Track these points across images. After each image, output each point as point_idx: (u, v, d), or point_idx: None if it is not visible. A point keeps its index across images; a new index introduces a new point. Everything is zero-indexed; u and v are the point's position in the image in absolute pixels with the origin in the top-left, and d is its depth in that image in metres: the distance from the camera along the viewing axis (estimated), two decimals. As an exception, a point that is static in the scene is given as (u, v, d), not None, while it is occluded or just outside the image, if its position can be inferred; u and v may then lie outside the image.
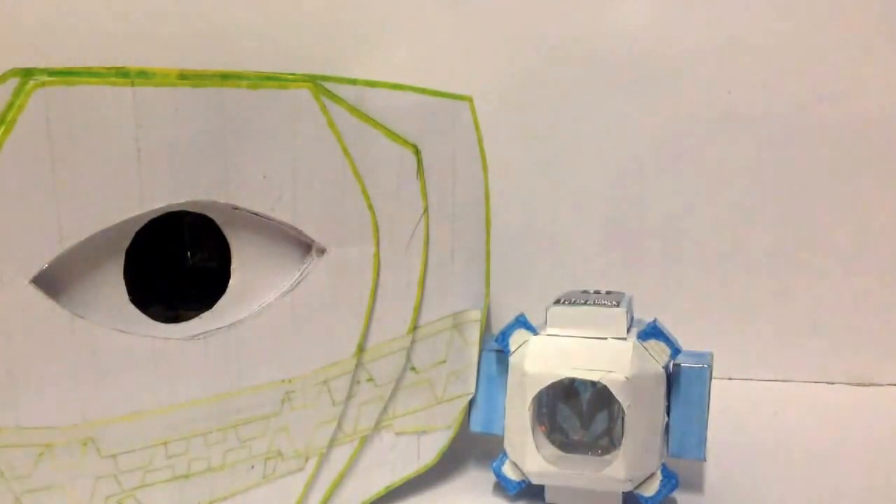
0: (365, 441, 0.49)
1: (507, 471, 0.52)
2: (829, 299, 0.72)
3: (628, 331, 0.50)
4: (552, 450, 0.52)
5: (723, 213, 0.72)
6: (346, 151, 0.44)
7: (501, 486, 0.53)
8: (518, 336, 0.52)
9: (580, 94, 0.69)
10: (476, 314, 0.54)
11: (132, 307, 0.40)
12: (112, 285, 0.39)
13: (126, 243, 0.40)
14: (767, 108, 0.69)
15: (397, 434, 0.51)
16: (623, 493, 0.50)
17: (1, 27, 0.44)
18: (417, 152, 0.48)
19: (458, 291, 0.52)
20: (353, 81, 0.44)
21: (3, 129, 0.34)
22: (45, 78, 0.35)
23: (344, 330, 0.46)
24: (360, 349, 0.47)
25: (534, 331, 0.51)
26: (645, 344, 0.49)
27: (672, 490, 0.49)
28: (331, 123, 0.43)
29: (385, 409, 0.50)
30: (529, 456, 0.50)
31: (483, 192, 0.52)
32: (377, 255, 0.47)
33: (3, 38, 0.45)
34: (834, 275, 0.72)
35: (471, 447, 0.59)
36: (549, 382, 0.49)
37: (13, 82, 0.35)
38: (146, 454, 0.41)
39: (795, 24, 0.68)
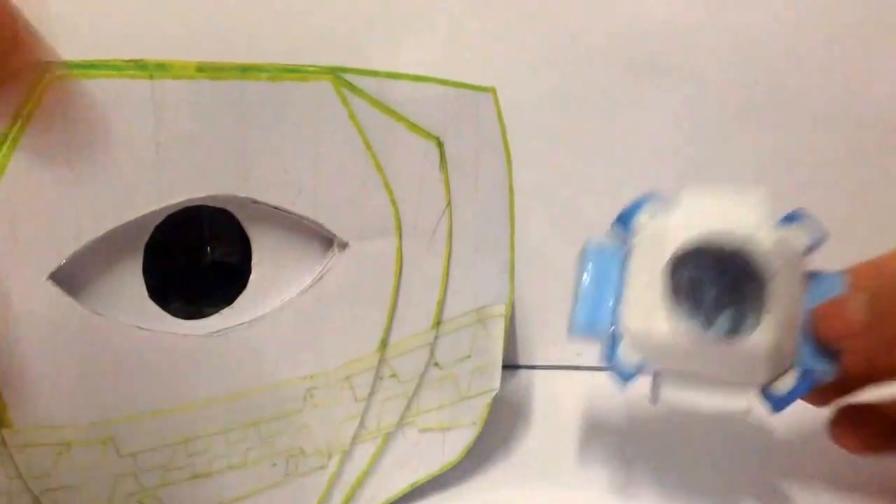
0: (388, 438, 0.49)
1: (624, 352, 0.45)
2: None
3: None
4: (684, 323, 0.44)
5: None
6: (367, 144, 0.44)
7: (615, 377, 0.46)
8: (650, 208, 0.48)
9: (604, 85, 0.69)
10: (500, 309, 0.53)
11: (151, 303, 0.40)
12: (131, 281, 0.39)
13: (145, 238, 0.39)
14: (794, 99, 0.69)
15: (421, 431, 0.50)
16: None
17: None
18: (440, 144, 0.47)
19: (482, 286, 0.52)
20: (375, 73, 0.44)
21: (20, 123, 0.34)
22: (63, 71, 0.35)
23: (366, 325, 0.46)
24: (384, 344, 0.47)
25: (665, 202, 0.48)
26: (787, 228, 0.45)
27: (808, 388, 0.44)
28: (352, 116, 0.43)
29: (408, 405, 0.49)
30: (661, 323, 0.44)
31: (507, 184, 0.52)
32: (400, 248, 0.46)
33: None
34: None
35: (496, 445, 0.59)
36: (696, 233, 0.44)
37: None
38: (166, 452, 0.40)
39: (824, 14, 0.67)
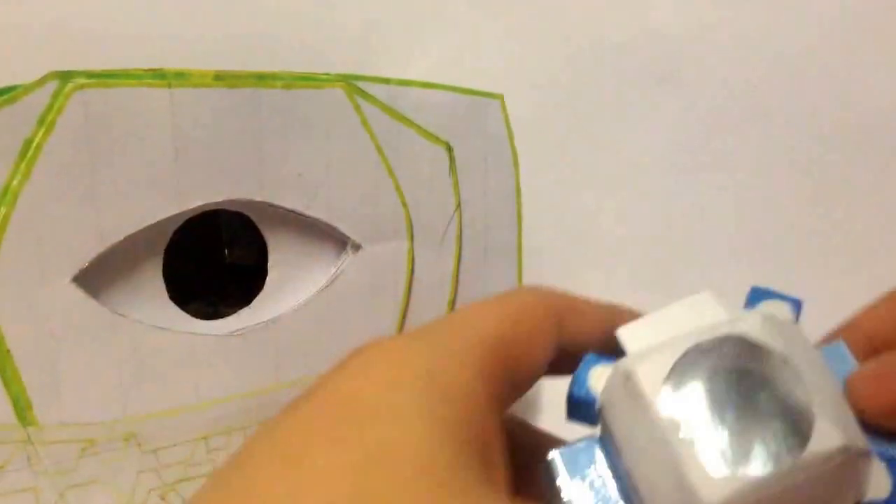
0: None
1: None
2: (859, 301, 0.72)
3: None
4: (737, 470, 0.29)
5: (760, 213, 0.71)
6: (379, 149, 0.44)
7: None
8: (597, 374, 0.33)
9: (612, 91, 0.69)
10: (510, 309, 0.53)
11: (171, 305, 0.41)
12: (151, 283, 0.40)
13: (165, 242, 0.40)
14: (802, 106, 0.69)
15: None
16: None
17: (39, 30, 0.45)
18: (450, 149, 0.48)
19: (492, 287, 0.52)
20: (386, 81, 0.45)
21: (42, 131, 0.35)
22: (84, 80, 0.36)
23: (379, 325, 0.47)
24: (396, 345, 0.47)
25: (612, 360, 0.33)
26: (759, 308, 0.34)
27: None
28: (364, 122, 0.44)
29: (421, 404, 0.50)
30: (703, 481, 0.29)
31: (515, 188, 0.52)
32: (411, 250, 0.47)
33: (41, 42, 0.45)
34: (861, 275, 0.72)
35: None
36: (670, 365, 0.31)
37: (52, 85, 0.35)
38: (187, 448, 0.41)
39: (831, 22, 0.68)
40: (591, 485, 0.32)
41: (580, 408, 0.32)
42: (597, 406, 0.32)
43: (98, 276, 0.38)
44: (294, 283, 0.44)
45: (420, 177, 0.47)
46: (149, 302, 0.40)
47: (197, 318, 0.42)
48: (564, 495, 0.31)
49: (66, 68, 0.36)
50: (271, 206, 0.42)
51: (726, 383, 0.32)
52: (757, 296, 0.35)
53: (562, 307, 0.32)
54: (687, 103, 0.70)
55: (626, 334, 0.34)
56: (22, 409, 0.37)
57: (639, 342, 0.33)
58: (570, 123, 0.70)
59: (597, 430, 0.33)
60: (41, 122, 0.35)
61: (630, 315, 0.35)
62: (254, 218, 0.43)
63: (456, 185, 0.49)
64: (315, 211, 0.43)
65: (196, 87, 0.38)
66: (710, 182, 0.71)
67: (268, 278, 0.44)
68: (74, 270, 0.37)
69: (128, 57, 0.40)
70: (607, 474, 0.32)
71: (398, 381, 0.24)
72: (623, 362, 0.32)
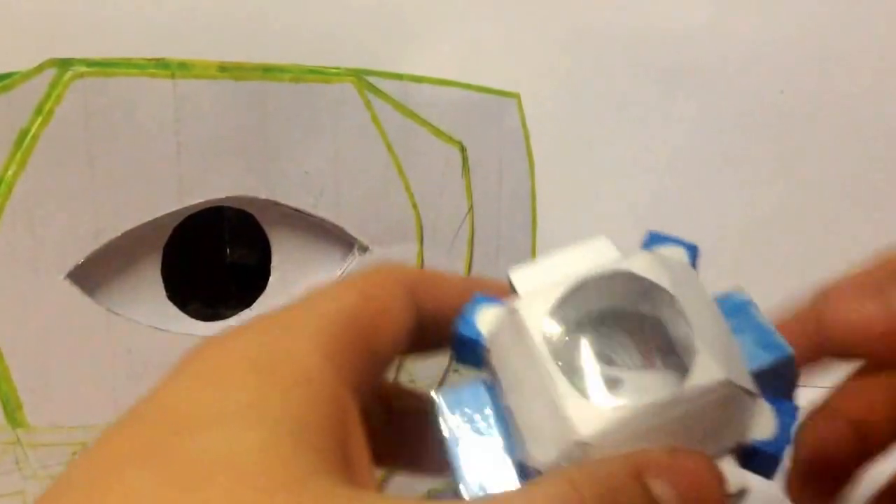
0: (406, 444, 0.49)
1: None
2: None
3: None
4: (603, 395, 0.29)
5: (777, 215, 0.71)
6: (389, 148, 0.44)
7: None
8: (484, 314, 0.32)
9: (628, 90, 0.68)
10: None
11: (169, 304, 0.40)
12: (149, 282, 0.39)
13: (164, 239, 0.39)
14: (820, 109, 0.68)
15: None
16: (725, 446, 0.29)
17: (37, 14, 0.44)
18: (463, 149, 0.47)
19: (503, 292, 0.52)
20: (399, 76, 0.44)
21: (39, 121, 0.34)
22: (84, 69, 0.35)
23: (385, 330, 0.46)
24: (402, 350, 0.47)
25: (500, 303, 0.33)
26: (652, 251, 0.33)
27: (794, 417, 0.29)
28: (374, 119, 0.43)
29: (426, 411, 0.49)
30: (579, 413, 0.28)
31: (529, 190, 0.52)
32: (421, 253, 0.46)
33: (39, 26, 0.44)
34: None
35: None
36: (554, 299, 0.30)
37: (50, 73, 0.35)
38: (181, 455, 0.40)
39: (849, 23, 0.67)
40: (472, 422, 0.32)
41: (466, 347, 0.32)
42: (484, 346, 0.31)
43: (94, 273, 0.37)
44: (297, 285, 0.44)
45: (431, 177, 0.46)
46: (146, 301, 0.39)
47: (196, 318, 0.41)
48: (445, 431, 0.31)
49: (65, 55, 0.35)
50: (276, 204, 0.41)
51: (612, 319, 0.32)
52: (653, 239, 0.33)
53: (414, 278, 0.31)
54: (706, 101, 0.69)
55: (517, 275, 0.33)
56: (12, 409, 0.36)
57: (529, 282, 0.33)
58: (587, 123, 0.69)
59: (483, 374, 0.32)
60: (38, 111, 0.34)
61: (493, 283, 0.34)
62: (257, 216, 0.42)
63: (469, 186, 0.48)
64: (321, 210, 0.42)
65: (200, 78, 0.37)
66: (729, 181, 0.70)
67: (270, 279, 0.43)
68: (69, 266, 0.36)
69: (130, 45, 0.39)
70: (490, 413, 0.32)
71: (227, 379, 0.23)
72: (510, 301, 0.31)
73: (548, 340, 0.30)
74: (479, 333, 0.32)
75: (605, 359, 0.31)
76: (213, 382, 0.22)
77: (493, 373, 0.31)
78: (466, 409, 0.32)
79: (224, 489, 0.20)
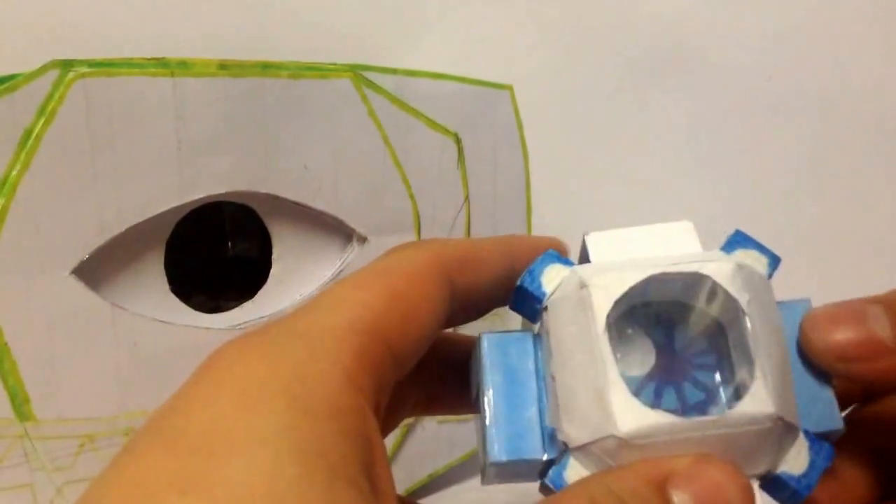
0: (408, 430, 0.49)
1: (570, 474, 0.29)
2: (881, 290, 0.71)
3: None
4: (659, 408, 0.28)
5: (766, 203, 0.71)
6: (386, 141, 0.44)
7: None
8: (552, 273, 0.31)
9: (621, 81, 0.69)
10: (518, 303, 0.53)
11: (173, 298, 0.40)
12: (153, 276, 0.40)
13: (167, 234, 0.40)
14: (808, 96, 0.69)
15: (440, 423, 0.51)
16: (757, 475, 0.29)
17: (40, 17, 0.45)
18: (458, 141, 0.47)
19: (500, 281, 0.52)
20: (394, 71, 0.44)
21: (43, 121, 0.34)
22: (85, 69, 0.35)
23: (385, 320, 0.46)
24: (401, 339, 0.47)
25: (570, 264, 0.32)
26: (735, 254, 0.32)
27: (831, 456, 0.29)
28: (371, 113, 0.43)
29: (426, 398, 0.50)
30: (623, 410, 0.27)
31: (524, 180, 0.52)
32: (418, 244, 0.47)
33: (42, 29, 0.45)
34: (877, 268, 0.71)
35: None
36: (628, 286, 0.29)
37: (53, 74, 0.35)
38: (187, 445, 0.41)
39: (837, 11, 0.67)
40: (512, 373, 0.31)
41: (526, 300, 0.31)
42: (543, 304, 0.31)
43: (98, 269, 0.38)
44: (298, 277, 0.44)
45: (428, 169, 0.46)
46: (150, 295, 0.39)
47: (199, 311, 0.41)
48: (483, 375, 0.30)
49: (67, 57, 0.35)
50: (276, 198, 0.41)
51: (678, 320, 0.32)
52: (738, 240, 0.32)
53: (450, 257, 0.30)
54: (698, 94, 0.69)
55: (594, 241, 0.32)
56: (19, 403, 0.36)
57: (604, 253, 0.32)
58: (581, 114, 0.69)
59: (535, 327, 0.32)
60: (41, 111, 0.35)
61: (528, 245, 0.33)
62: (258, 210, 0.42)
63: (464, 177, 0.48)
64: (320, 203, 0.43)
65: (200, 76, 0.38)
66: (725, 172, 0.71)
67: (271, 271, 0.44)
68: (74, 262, 0.36)
69: (130, 45, 0.40)
70: (530, 368, 0.31)
71: (255, 401, 0.22)
72: (582, 269, 0.30)
73: (610, 328, 0.29)
74: (542, 291, 0.31)
75: (659, 357, 0.31)
76: (242, 404, 0.22)
77: (545, 332, 0.30)
78: (510, 359, 0.31)
79: None
